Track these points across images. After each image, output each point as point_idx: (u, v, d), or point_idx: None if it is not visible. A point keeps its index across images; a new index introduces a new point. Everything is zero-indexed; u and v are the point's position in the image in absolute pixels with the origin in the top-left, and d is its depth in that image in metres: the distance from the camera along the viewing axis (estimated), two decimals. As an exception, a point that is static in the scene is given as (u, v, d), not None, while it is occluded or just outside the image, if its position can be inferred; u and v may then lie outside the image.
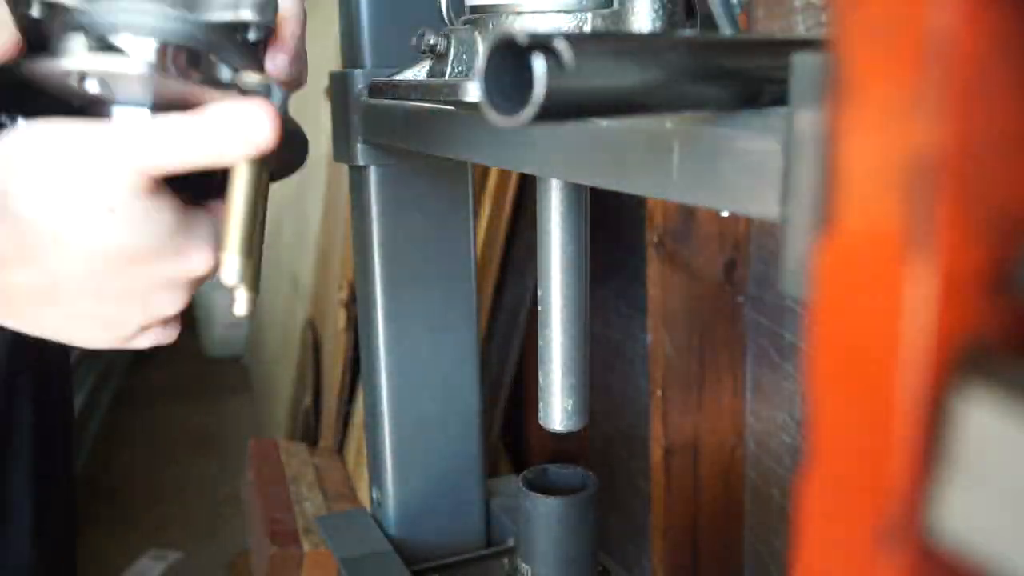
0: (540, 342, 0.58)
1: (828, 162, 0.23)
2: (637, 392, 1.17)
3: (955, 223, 0.20)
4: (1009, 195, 0.20)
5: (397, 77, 0.54)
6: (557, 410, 0.58)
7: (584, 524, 0.62)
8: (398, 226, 0.76)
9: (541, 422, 0.59)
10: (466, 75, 0.49)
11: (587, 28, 0.47)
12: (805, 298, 0.25)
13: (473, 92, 0.43)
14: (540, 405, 0.58)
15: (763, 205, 0.31)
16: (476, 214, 1.33)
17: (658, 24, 0.45)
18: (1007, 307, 0.21)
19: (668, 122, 0.36)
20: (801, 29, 0.82)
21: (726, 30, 0.40)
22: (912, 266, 0.20)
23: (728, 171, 0.33)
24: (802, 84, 0.27)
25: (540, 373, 0.58)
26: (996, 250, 0.20)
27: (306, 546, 1.39)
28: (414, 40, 0.49)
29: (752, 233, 0.95)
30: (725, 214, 0.37)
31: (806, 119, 0.27)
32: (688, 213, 0.95)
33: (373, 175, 0.75)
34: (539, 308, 0.57)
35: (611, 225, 1.19)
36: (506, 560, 0.81)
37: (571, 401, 0.57)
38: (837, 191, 0.22)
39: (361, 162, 0.74)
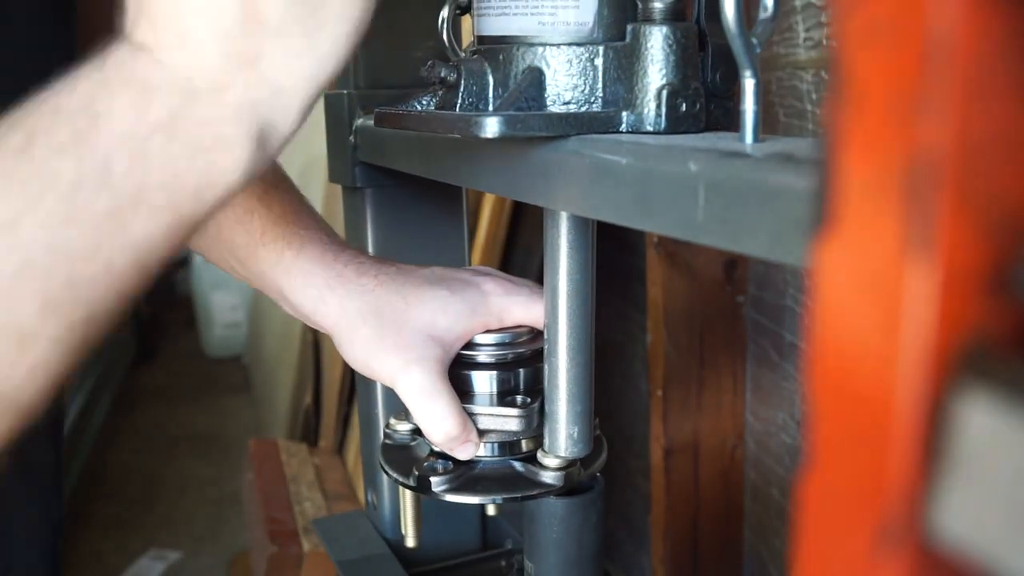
0: (546, 370, 0.58)
1: (828, 162, 0.23)
2: (637, 392, 1.17)
3: (955, 223, 0.20)
4: (1009, 195, 0.20)
5: (405, 107, 0.54)
6: (563, 437, 0.58)
7: (589, 524, 0.62)
8: (393, 247, 0.76)
9: (547, 449, 0.59)
10: (477, 107, 0.50)
11: (599, 62, 0.47)
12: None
13: (491, 127, 0.44)
14: (546, 432, 0.59)
15: (793, 252, 0.31)
16: (474, 229, 1.33)
17: (672, 59, 0.45)
18: (1007, 307, 0.21)
19: (692, 164, 0.36)
20: (801, 29, 0.82)
21: (745, 71, 0.40)
22: (912, 266, 0.20)
23: (755, 216, 0.32)
24: None
25: (546, 400, 0.58)
26: (996, 250, 0.20)
27: (306, 546, 1.39)
28: (424, 71, 0.49)
29: (752, 233, 0.95)
30: None
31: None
32: (688, 213, 0.95)
33: (369, 196, 0.75)
34: (545, 336, 0.57)
35: (611, 225, 1.19)
36: (503, 562, 0.81)
37: (577, 428, 0.58)
38: (837, 191, 0.22)
39: (358, 184, 0.74)
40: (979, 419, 0.19)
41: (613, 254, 1.19)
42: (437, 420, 0.56)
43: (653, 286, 0.98)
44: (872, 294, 0.21)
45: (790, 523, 0.24)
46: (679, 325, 0.97)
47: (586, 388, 0.57)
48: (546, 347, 0.58)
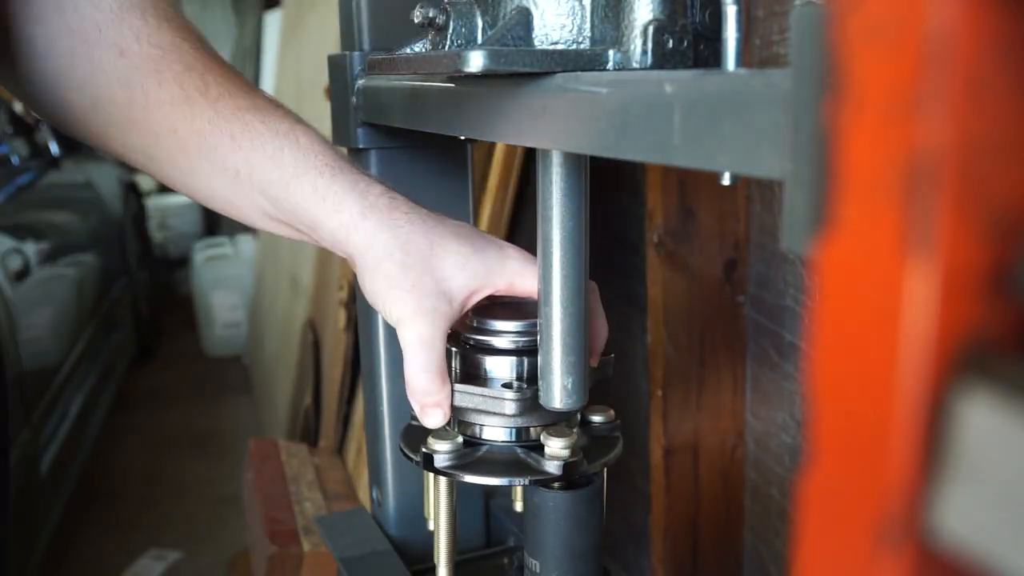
0: (540, 320, 0.57)
1: (829, 161, 0.23)
2: (637, 392, 1.17)
3: (955, 223, 0.20)
4: (1009, 195, 0.20)
5: (396, 53, 0.54)
6: (557, 389, 0.57)
7: (592, 518, 0.62)
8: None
9: (541, 402, 0.58)
10: (467, 47, 0.49)
11: (587, 1, 0.47)
12: (807, 255, 0.25)
13: (475, 61, 0.43)
14: (540, 384, 0.58)
15: (766, 164, 0.31)
16: (477, 214, 1.33)
17: (658, 5, 0.45)
18: (1007, 307, 0.21)
19: (668, 86, 0.36)
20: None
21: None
22: (912, 266, 0.20)
23: (730, 133, 0.33)
24: (802, 39, 0.27)
25: (540, 352, 0.58)
26: (996, 250, 0.20)
27: (306, 546, 1.39)
28: (413, 14, 0.49)
29: (752, 233, 0.95)
30: (726, 181, 0.37)
31: (807, 74, 0.27)
32: (688, 213, 0.95)
33: (373, 158, 0.75)
34: (539, 286, 0.57)
35: (611, 225, 1.19)
36: (506, 559, 0.81)
37: (571, 379, 0.57)
38: (837, 191, 0.22)
39: (361, 145, 0.74)
40: (979, 419, 0.19)
41: (613, 254, 1.19)
42: (422, 371, 0.58)
43: (653, 286, 0.98)
44: (872, 294, 0.21)
45: (790, 523, 0.24)
46: (679, 325, 0.97)
47: (580, 338, 0.57)
48: (540, 297, 0.57)
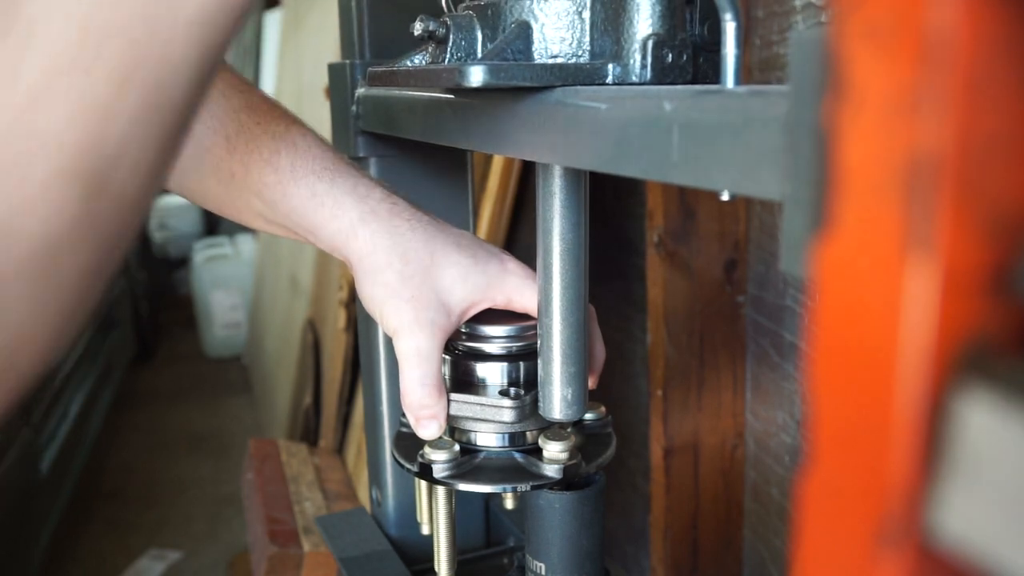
0: (540, 331, 0.57)
1: (828, 162, 0.23)
2: (637, 392, 1.16)
3: (955, 223, 0.20)
4: (1009, 195, 0.20)
5: (396, 65, 0.54)
6: (557, 399, 0.57)
7: (596, 516, 0.62)
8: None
9: (541, 413, 0.58)
10: (466, 61, 0.49)
11: (586, 14, 0.47)
12: (805, 276, 0.25)
13: (475, 76, 0.43)
14: (540, 395, 0.58)
15: (763, 185, 0.31)
16: (476, 215, 1.33)
17: (658, 8, 0.45)
18: (1007, 307, 0.21)
19: (667, 103, 0.36)
20: (801, 29, 0.82)
21: (725, 13, 0.39)
22: (912, 266, 0.20)
23: (728, 152, 0.33)
24: (801, 62, 0.27)
25: (540, 362, 0.58)
26: (996, 250, 0.20)
27: (306, 546, 1.39)
28: (413, 26, 0.49)
29: (752, 233, 0.95)
30: (725, 197, 0.37)
31: (805, 97, 0.27)
32: (688, 213, 0.95)
33: (373, 166, 0.75)
34: (539, 296, 0.57)
35: (611, 225, 1.19)
36: (506, 559, 0.81)
37: (571, 390, 0.57)
38: (837, 191, 0.22)
39: (361, 153, 0.74)
40: (979, 419, 0.19)
41: (613, 254, 1.19)
42: (418, 385, 0.57)
43: (653, 286, 0.98)
44: (872, 294, 0.21)
45: (790, 523, 0.24)
46: (679, 325, 0.97)
47: (579, 349, 0.57)
48: (540, 308, 0.57)
